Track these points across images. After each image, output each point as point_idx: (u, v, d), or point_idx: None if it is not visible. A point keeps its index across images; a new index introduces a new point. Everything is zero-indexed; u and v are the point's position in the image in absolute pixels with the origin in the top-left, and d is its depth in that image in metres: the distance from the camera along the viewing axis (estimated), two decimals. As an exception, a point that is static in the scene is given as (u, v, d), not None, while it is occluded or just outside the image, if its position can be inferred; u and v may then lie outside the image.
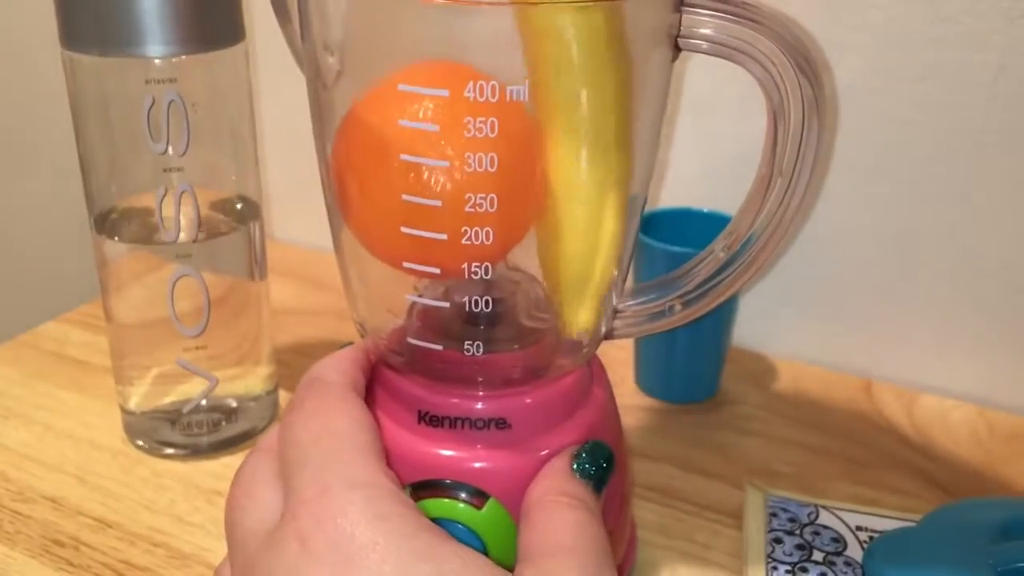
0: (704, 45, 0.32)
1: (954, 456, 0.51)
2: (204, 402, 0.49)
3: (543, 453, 0.36)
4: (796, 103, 0.32)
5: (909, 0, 0.51)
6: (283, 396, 0.54)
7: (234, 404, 0.50)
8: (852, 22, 0.52)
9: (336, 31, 0.33)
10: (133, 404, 0.50)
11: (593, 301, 0.36)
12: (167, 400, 0.49)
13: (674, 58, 0.33)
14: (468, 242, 0.32)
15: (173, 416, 0.49)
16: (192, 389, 0.49)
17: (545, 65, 0.31)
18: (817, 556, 0.42)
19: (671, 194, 0.60)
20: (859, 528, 0.44)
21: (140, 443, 0.50)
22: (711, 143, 0.58)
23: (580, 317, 0.36)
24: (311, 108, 0.35)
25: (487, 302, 0.34)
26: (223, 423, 0.50)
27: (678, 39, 0.32)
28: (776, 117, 0.33)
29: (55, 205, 0.80)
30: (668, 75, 0.34)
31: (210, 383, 0.48)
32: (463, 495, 0.35)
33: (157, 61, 0.42)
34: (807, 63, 0.31)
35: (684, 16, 0.32)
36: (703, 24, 0.32)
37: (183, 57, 0.42)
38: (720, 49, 0.32)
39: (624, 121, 0.33)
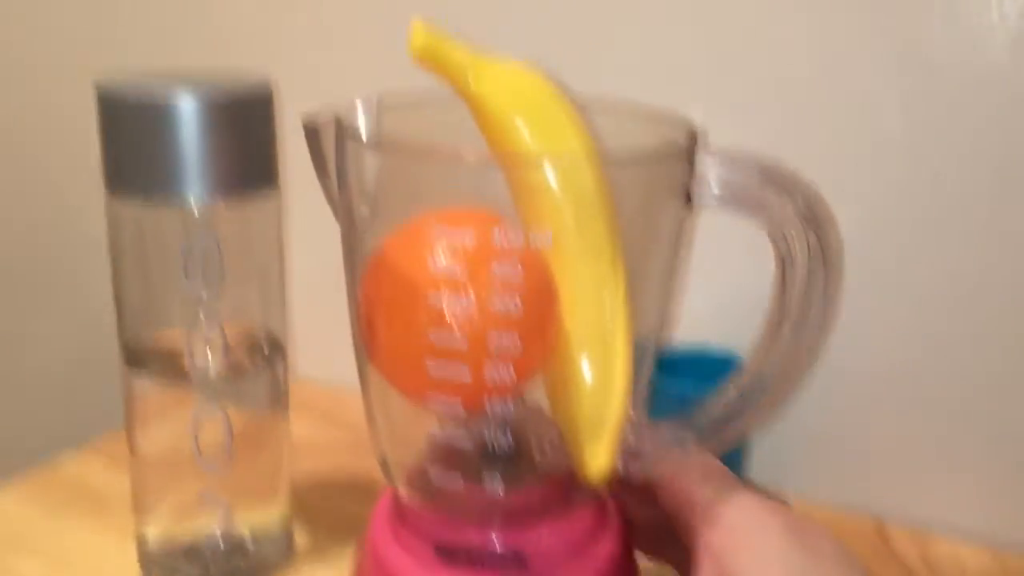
0: (715, 202, 0.34)
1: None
2: (221, 537, 0.49)
3: (560, 589, 0.36)
4: (803, 252, 0.34)
5: (910, 153, 0.53)
6: (299, 533, 0.54)
7: (250, 539, 0.50)
8: (853, 167, 0.55)
9: (371, 184, 0.35)
10: (151, 538, 0.50)
11: (608, 445, 0.36)
12: (185, 534, 0.49)
13: (688, 211, 0.35)
14: (491, 380, 0.33)
15: (190, 551, 0.49)
16: (210, 523, 0.49)
17: (559, 216, 0.33)
18: None
19: (683, 331, 0.61)
20: (876, 673, 0.43)
21: (155, 577, 0.50)
22: (723, 280, 0.60)
23: (596, 463, 0.36)
24: (344, 254, 0.37)
25: (508, 438, 0.35)
26: (239, 559, 0.50)
27: (690, 194, 0.34)
28: (784, 265, 0.34)
29: (79, 338, 0.81)
30: (681, 227, 0.36)
31: (229, 518, 0.49)
32: (481, 632, 0.35)
33: (196, 209, 0.44)
34: (813, 216, 0.33)
35: (696, 172, 0.34)
36: (713, 180, 0.34)
37: (221, 204, 0.44)
38: (730, 204, 0.34)
39: (635, 270, 0.35)
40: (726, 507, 0.34)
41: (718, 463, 0.37)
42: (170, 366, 0.47)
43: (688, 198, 0.35)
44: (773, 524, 0.32)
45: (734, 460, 0.54)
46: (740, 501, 0.34)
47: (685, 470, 0.37)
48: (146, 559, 0.51)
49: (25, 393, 0.85)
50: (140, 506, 0.50)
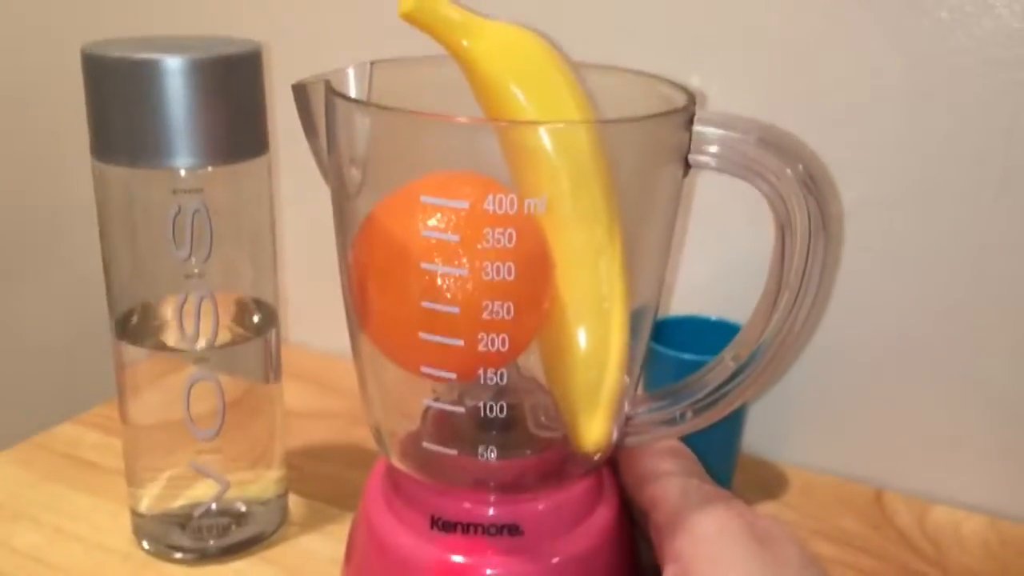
0: (712, 162, 0.34)
1: (967, 569, 0.50)
2: (214, 506, 0.49)
3: (554, 560, 0.36)
4: (802, 219, 0.33)
5: (911, 117, 0.52)
6: (292, 500, 0.54)
7: (244, 508, 0.50)
8: (856, 139, 0.54)
9: (361, 146, 0.34)
10: (144, 507, 0.50)
11: (604, 414, 0.36)
12: (178, 503, 0.49)
13: (684, 174, 0.34)
14: (484, 348, 0.33)
15: (183, 520, 0.49)
16: (203, 492, 0.49)
17: (555, 182, 0.32)
18: (831, 671, 0.41)
19: (681, 301, 0.61)
20: (873, 642, 0.43)
21: (148, 546, 0.50)
22: (722, 250, 0.59)
23: (591, 433, 0.36)
24: (335, 217, 0.36)
25: (501, 407, 0.35)
26: (232, 527, 0.49)
27: (688, 156, 0.34)
28: (783, 231, 0.34)
29: (72, 308, 0.81)
30: (679, 191, 0.35)
31: (222, 486, 0.48)
32: (475, 602, 0.35)
33: (183, 172, 0.43)
34: (813, 181, 0.33)
35: (694, 134, 0.33)
36: (711, 142, 0.33)
37: (209, 169, 0.43)
38: (728, 166, 0.34)
39: (632, 235, 0.34)
40: (693, 513, 0.34)
41: (683, 447, 0.38)
42: (161, 335, 0.47)
43: (686, 162, 0.34)
44: (738, 531, 0.33)
45: (731, 429, 0.54)
46: (707, 506, 0.34)
47: (649, 450, 0.37)
48: (140, 528, 0.50)
49: (18, 365, 0.84)
50: (133, 475, 0.50)
